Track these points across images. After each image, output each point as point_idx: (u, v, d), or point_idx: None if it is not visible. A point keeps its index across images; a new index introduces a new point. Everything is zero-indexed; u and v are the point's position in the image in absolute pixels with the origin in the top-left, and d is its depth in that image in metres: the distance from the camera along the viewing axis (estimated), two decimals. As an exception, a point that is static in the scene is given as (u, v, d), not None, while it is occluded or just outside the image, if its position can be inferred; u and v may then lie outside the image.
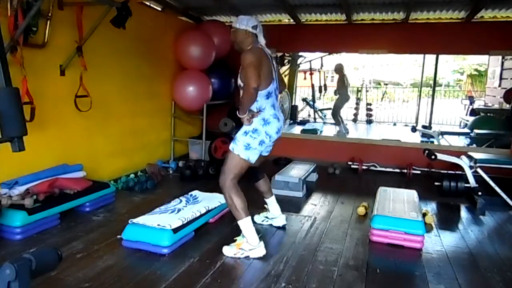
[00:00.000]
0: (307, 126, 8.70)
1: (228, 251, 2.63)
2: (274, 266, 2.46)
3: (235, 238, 2.68)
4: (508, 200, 3.79)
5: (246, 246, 2.61)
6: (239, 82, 2.71)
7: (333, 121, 8.98)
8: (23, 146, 2.00)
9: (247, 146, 2.61)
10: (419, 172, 4.99)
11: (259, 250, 2.61)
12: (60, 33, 3.33)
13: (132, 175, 4.25)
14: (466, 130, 7.26)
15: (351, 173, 5.15)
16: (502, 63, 9.59)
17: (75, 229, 2.94)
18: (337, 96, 8.48)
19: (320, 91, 10.20)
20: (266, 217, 3.19)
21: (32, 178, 3.03)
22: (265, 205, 3.21)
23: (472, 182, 3.93)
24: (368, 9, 5.00)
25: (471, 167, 4.00)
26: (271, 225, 3.15)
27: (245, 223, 2.63)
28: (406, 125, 10.09)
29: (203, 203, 3.19)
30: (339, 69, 8.39)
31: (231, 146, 2.67)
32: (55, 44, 3.29)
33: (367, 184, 4.59)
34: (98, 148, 3.92)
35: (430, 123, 9.23)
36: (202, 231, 2.95)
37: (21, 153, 2.00)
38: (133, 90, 4.41)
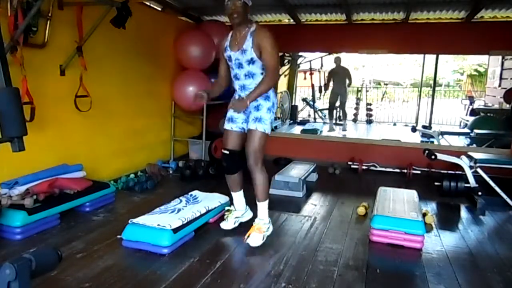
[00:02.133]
0: (307, 126, 8.70)
1: (256, 240, 2.69)
2: (274, 266, 2.46)
3: (252, 229, 2.75)
4: (508, 200, 3.79)
5: (264, 226, 2.78)
6: (252, 55, 2.62)
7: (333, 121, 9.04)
8: (23, 146, 2.00)
9: (271, 122, 2.76)
10: (419, 172, 4.99)
11: (270, 225, 2.85)
12: (60, 33, 3.33)
13: (132, 175, 4.25)
14: (466, 130, 7.26)
15: (351, 173, 5.15)
16: (502, 63, 9.60)
17: (75, 229, 2.93)
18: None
19: (320, 91, 10.21)
20: (237, 217, 3.01)
21: (32, 178, 3.02)
22: (231, 207, 3.06)
23: (472, 182, 3.93)
24: (368, 9, 5.00)
25: (471, 167, 4.00)
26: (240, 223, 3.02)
27: (266, 204, 2.82)
28: (406, 125, 10.10)
29: (203, 203, 3.19)
30: (336, 62, 8.41)
31: (261, 127, 2.68)
32: (55, 44, 3.29)
33: (367, 184, 4.59)
34: (98, 148, 3.92)
35: (430, 123, 9.24)
36: (202, 231, 2.95)
37: (21, 153, 2.01)
38: (133, 90, 4.41)
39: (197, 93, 2.87)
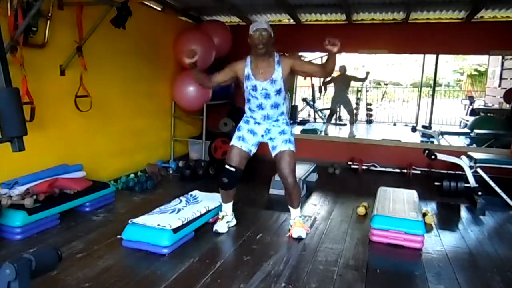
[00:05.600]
0: (307, 126, 8.70)
1: (304, 232, 2.91)
2: (274, 266, 2.46)
3: (299, 225, 2.95)
4: (508, 200, 3.79)
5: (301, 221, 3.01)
6: (281, 85, 2.79)
7: (333, 122, 9.04)
8: (23, 146, 2.00)
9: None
10: (419, 172, 4.99)
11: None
12: (60, 33, 3.33)
13: (132, 175, 4.25)
14: (466, 130, 7.26)
15: (351, 173, 5.15)
16: (502, 63, 9.59)
17: (75, 229, 2.94)
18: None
19: (320, 91, 10.19)
20: (228, 222, 3.07)
21: (32, 178, 3.02)
22: (222, 212, 3.09)
23: (472, 182, 3.93)
24: (368, 9, 5.00)
25: (471, 167, 4.00)
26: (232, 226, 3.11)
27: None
28: (406, 125, 10.10)
29: (203, 203, 3.19)
30: (340, 71, 8.34)
31: (291, 146, 2.86)
32: (55, 44, 3.29)
33: (367, 184, 4.59)
34: (98, 148, 3.92)
35: (430, 123, 9.23)
36: (202, 231, 2.95)
37: (21, 153, 2.00)
38: (133, 90, 4.41)
39: (189, 49, 2.79)
